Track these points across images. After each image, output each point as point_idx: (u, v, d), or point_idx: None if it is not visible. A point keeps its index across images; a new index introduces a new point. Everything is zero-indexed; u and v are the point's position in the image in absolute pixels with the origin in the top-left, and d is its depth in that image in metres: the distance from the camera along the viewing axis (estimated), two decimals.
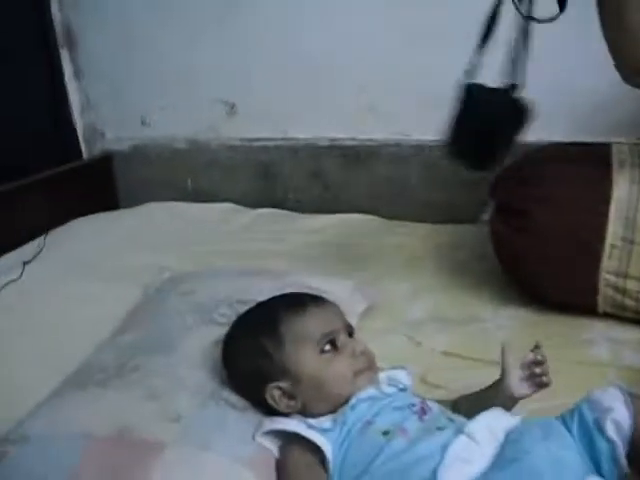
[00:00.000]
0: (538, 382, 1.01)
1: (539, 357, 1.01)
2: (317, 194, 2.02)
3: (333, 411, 1.00)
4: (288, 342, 1.02)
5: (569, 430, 0.92)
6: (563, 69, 1.70)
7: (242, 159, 2.07)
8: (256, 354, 1.04)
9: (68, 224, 1.91)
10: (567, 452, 0.88)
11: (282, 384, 1.01)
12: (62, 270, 1.61)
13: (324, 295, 1.27)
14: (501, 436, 0.92)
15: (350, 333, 1.07)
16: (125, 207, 2.16)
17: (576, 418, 0.92)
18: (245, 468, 0.93)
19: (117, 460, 0.90)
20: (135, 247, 1.79)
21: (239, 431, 0.99)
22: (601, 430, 0.89)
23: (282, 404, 1.01)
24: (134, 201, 2.14)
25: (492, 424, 0.94)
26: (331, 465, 0.94)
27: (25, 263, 1.59)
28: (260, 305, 1.13)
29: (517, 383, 1.01)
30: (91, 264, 1.66)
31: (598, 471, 0.88)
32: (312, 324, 1.04)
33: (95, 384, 1.06)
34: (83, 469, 0.89)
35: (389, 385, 1.06)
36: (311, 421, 0.98)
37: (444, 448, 0.89)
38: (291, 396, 1.01)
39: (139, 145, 2.18)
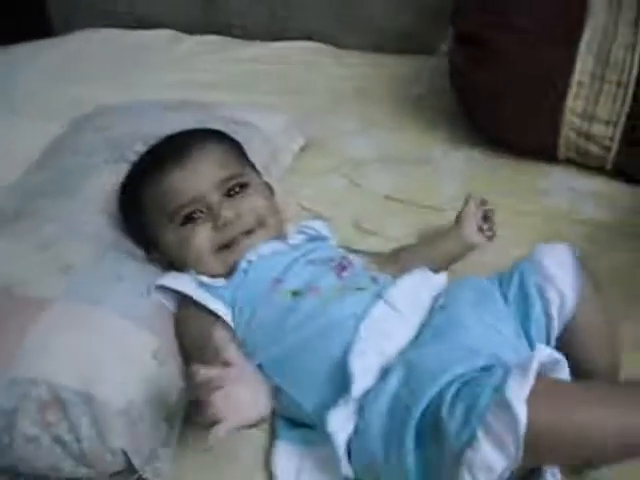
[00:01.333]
0: (487, 235, 1.03)
1: (490, 212, 1.04)
2: (264, 19, 1.81)
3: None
4: (149, 213, 0.92)
5: (505, 295, 0.82)
6: None
7: None
8: (130, 219, 0.96)
9: None
10: (501, 323, 0.78)
11: (157, 255, 0.93)
12: None
13: (254, 130, 1.15)
14: (427, 302, 0.83)
15: (235, 186, 0.91)
16: (60, 35, 1.95)
17: (515, 281, 0.82)
18: (137, 325, 0.84)
19: None
20: (65, 79, 1.63)
21: (137, 284, 0.89)
22: (543, 301, 0.79)
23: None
24: (70, 29, 1.92)
25: (417, 288, 0.84)
26: (232, 322, 0.84)
27: None
28: (138, 160, 1.00)
29: (475, 231, 1.02)
30: (14, 98, 1.52)
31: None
32: (169, 192, 0.89)
33: None
34: None
35: (298, 233, 0.96)
36: (204, 279, 0.87)
37: (360, 316, 0.78)
38: (171, 266, 0.92)
39: None
